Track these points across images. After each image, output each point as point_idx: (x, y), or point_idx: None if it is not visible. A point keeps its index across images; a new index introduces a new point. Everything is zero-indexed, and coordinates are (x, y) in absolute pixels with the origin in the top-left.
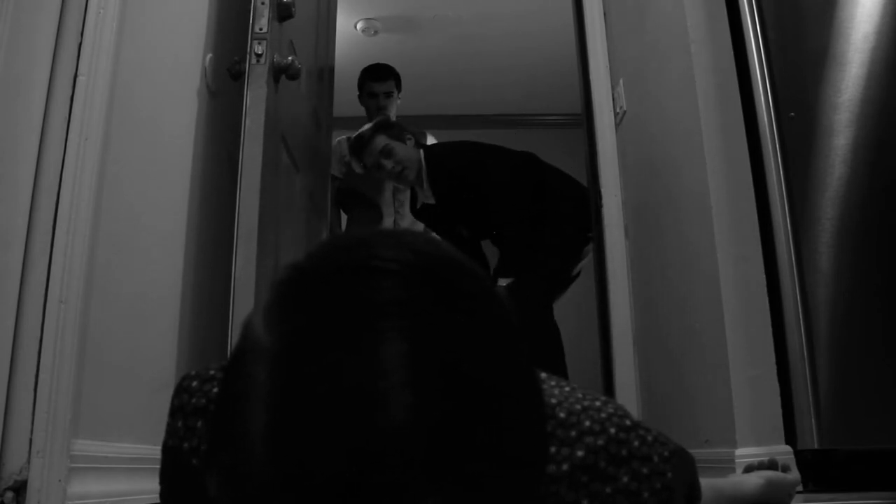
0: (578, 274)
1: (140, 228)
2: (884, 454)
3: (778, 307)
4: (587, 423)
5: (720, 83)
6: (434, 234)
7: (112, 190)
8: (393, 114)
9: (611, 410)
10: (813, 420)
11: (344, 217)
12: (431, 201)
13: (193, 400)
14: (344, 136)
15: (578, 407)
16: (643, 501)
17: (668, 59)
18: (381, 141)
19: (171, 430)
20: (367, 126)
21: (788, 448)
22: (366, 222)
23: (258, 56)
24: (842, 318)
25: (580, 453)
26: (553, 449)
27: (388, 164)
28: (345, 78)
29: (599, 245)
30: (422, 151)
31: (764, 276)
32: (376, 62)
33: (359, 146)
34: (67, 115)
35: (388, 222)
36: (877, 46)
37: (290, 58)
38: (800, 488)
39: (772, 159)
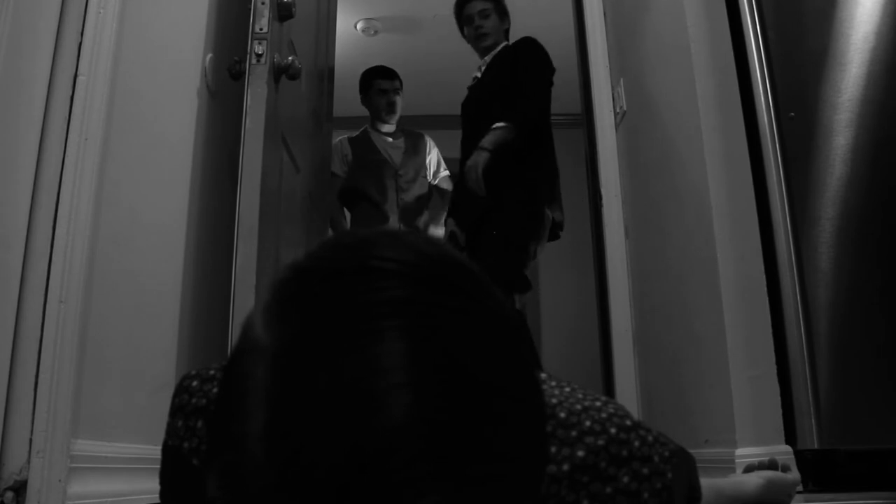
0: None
1: (140, 228)
2: (884, 454)
3: (778, 307)
4: (588, 424)
5: (720, 83)
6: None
7: (112, 190)
8: (399, 111)
9: (611, 410)
10: (813, 420)
11: (348, 214)
12: (478, 74)
13: (194, 400)
14: (345, 136)
15: (579, 407)
16: (643, 502)
17: (668, 59)
18: (485, 5)
19: (171, 430)
20: None
21: (788, 448)
22: (369, 220)
23: (258, 56)
24: (842, 318)
25: (581, 453)
26: (553, 449)
27: (479, 22)
28: (345, 78)
29: (599, 245)
30: (507, 40)
31: (764, 276)
32: (378, 65)
33: None
34: (67, 115)
35: (392, 220)
36: (877, 46)
37: (290, 58)
38: (800, 488)
39: (772, 159)
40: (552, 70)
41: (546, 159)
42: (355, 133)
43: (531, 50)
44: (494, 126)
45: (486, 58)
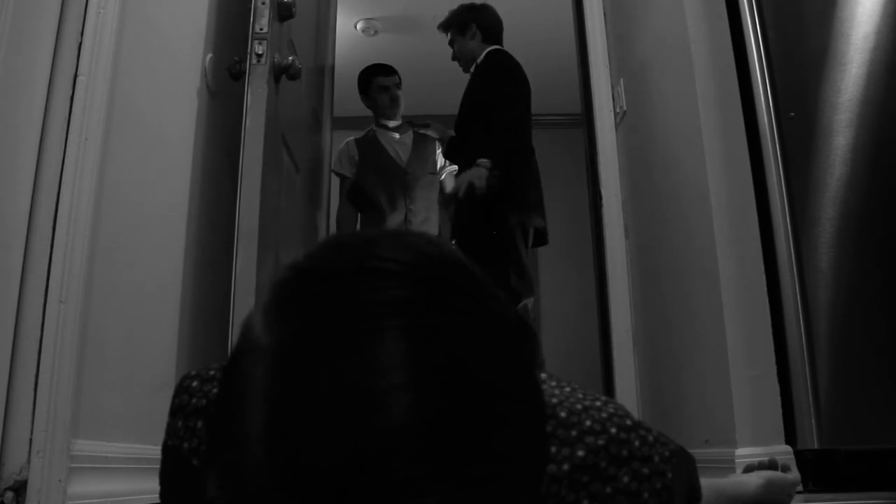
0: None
1: (140, 228)
2: (884, 454)
3: (778, 307)
4: (588, 423)
5: (720, 83)
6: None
7: (112, 190)
8: (402, 105)
9: (611, 410)
10: (813, 420)
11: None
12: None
13: (194, 400)
14: (351, 138)
15: (579, 407)
16: (643, 502)
17: (668, 59)
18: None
19: (171, 430)
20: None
21: (788, 448)
22: (378, 222)
23: (259, 56)
24: (842, 318)
25: (581, 453)
26: (553, 449)
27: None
28: (345, 78)
29: (599, 245)
30: (489, 53)
31: (764, 276)
32: (374, 63)
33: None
34: (67, 115)
35: (398, 220)
36: (877, 46)
37: (290, 58)
38: (800, 488)
39: (772, 159)
40: (519, 84)
41: (516, 177)
42: (361, 134)
43: (481, 74)
44: (481, 162)
45: (469, 71)
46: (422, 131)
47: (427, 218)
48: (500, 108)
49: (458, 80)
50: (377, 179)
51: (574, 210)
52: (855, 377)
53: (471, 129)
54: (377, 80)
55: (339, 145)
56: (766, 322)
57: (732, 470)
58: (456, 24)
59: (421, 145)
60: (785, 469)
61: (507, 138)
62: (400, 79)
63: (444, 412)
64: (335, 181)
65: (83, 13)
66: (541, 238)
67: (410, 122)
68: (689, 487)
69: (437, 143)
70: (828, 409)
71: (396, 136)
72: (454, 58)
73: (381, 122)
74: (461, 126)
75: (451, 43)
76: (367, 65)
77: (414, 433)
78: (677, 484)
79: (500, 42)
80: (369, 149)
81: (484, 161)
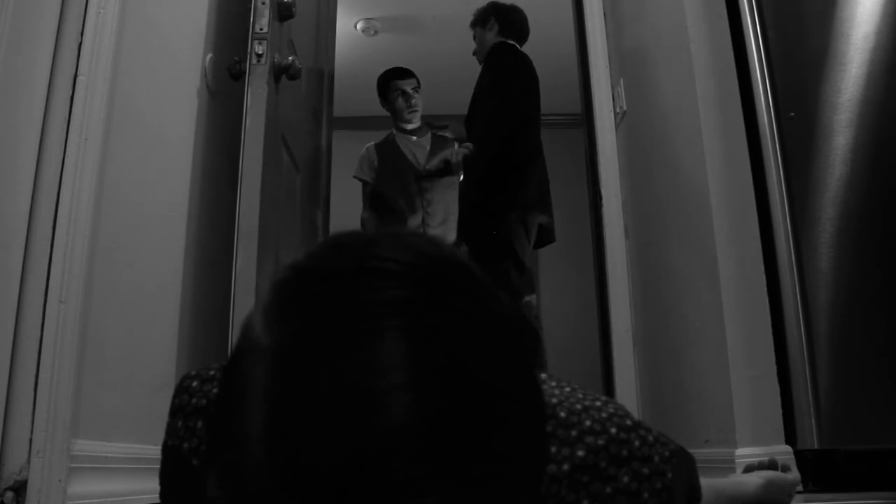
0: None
1: (140, 228)
2: (884, 454)
3: (778, 307)
4: (588, 423)
5: (720, 83)
6: None
7: (112, 190)
8: (420, 108)
9: (611, 410)
10: (813, 420)
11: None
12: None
13: (194, 400)
14: (372, 143)
15: (579, 407)
16: (643, 501)
17: (669, 59)
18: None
19: (171, 430)
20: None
21: (788, 448)
22: (397, 226)
23: (259, 56)
24: (842, 318)
25: (581, 453)
26: (553, 449)
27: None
28: (345, 78)
29: (599, 245)
30: (497, 44)
31: (764, 276)
32: (394, 66)
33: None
34: (67, 115)
35: (416, 222)
36: (877, 46)
37: (290, 58)
38: (800, 488)
39: (772, 159)
40: (528, 78)
41: (518, 172)
42: (382, 138)
43: (489, 67)
44: (464, 144)
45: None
46: (440, 133)
47: (445, 219)
48: (508, 102)
49: (458, 80)
50: (395, 183)
51: (574, 210)
52: (855, 377)
53: (479, 122)
54: (394, 83)
55: (341, 145)
56: (766, 322)
57: (732, 470)
58: (480, 20)
59: (439, 147)
60: (785, 469)
61: (514, 130)
62: (418, 82)
63: (444, 412)
64: (335, 181)
65: (83, 13)
66: (547, 235)
67: (429, 124)
68: (689, 487)
69: (456, 144)
70: (828, 409)
71: (414, 138)
72: (475, 52)
73: (400, 126)
74: (471, 119)
75: (475, 38)
76: (370, 66)
77: (414, 433)
78: (677, 484)
79: (519, 41)
80: (388, 153)
81: (467, 143)
